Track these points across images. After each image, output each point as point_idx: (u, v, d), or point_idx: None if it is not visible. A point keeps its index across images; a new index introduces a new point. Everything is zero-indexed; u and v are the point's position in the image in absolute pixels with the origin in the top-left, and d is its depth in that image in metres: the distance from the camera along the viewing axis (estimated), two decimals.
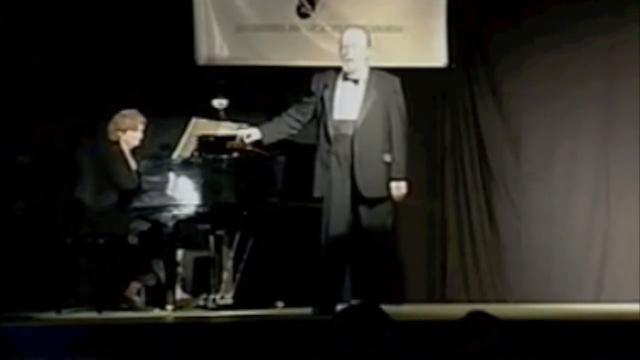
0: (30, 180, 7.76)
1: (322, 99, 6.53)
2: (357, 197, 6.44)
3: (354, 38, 6.57)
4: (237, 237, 7.20)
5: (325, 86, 6.54)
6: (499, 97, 8.05)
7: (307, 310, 6.69)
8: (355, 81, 6.53)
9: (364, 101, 6.48)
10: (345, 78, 6.55)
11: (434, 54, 7.98)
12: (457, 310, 4.56)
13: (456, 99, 8.11)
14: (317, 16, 7.93)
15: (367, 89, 6.50)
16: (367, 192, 6.42)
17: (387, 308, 3.47)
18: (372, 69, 6.59)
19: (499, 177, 8.04)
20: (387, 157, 6.49)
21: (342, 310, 3.60)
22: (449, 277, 7.99)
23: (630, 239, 7.75)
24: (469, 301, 7.77)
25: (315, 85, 6.60)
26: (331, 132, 6.46)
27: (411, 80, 7.15)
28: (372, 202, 6.45)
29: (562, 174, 7.96)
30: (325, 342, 3.38)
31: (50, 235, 7.40)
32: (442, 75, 8.03)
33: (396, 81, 6.57)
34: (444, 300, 7.87)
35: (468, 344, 3.45)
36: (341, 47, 6.57)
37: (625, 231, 7.79)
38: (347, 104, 6.50)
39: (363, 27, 6.83)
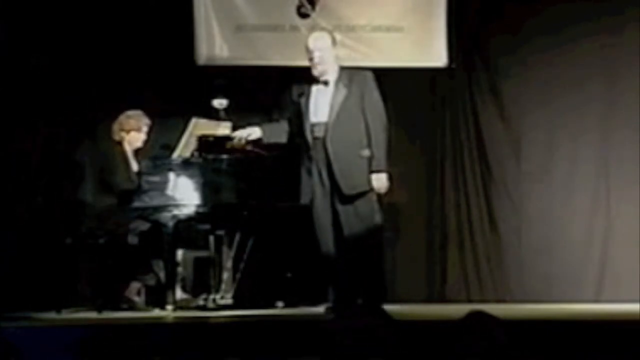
0: (31, 180, 7.76)
1: (299, 106, 6.56)
2: (340, 198, 6.43)
3: (318, 41, 6.58)
4: (237, 237, 7.20)
5: (301, 94, 6.56)
6: (499, 97, 8.06)
7: (307, 310, 6.72)
8: (326, 83, 6.54)
9: (333, 101, 6.48)
10: (317, 82, 6.55)
11: (434, 54, 7.99)
12: (457, 310, 4.56)
13: (456, 99, 8.11)
14: (317, 16, 7.93)
15: (336, 89, 6.51)
16: (349, 189, 6.42)
17: (386, 308, 3.47)
18: (345, 68, 6.58)
19: (499, 177, 8.04)
20: (366, 152, 6.46)
21: (343, 310, 3.60)
22: (449, 277, 8.00)
23: (630, 239, 7.76)
24: (469, 301, 7.77)
25: (294, 95, 6.61)
26: (308, 137, 6.48)
27: (411, 80, 7.16)
28: (355, 200, 6.43)
29: (562, 174, 7.97)
30: (325, 342, 3.39)
31: (50, 235, 7.40)
32: (442, 76, 8.03)
33: (368, 75, 6.54)
34: (444, 300, 7.87)
35: (468, 344, 3.45)
36: (306, 52, 6.57)
37: (625, 231, 7.80)
38: (320, 107, 6.51)
39: (325, 29, 6.82)
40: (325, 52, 6.53)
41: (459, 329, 3.50)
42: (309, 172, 6.49)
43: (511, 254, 7.97)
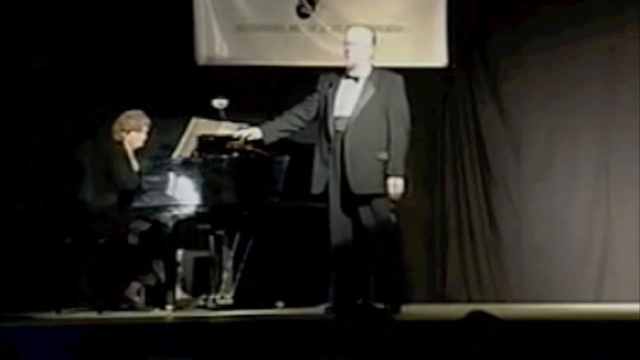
0: (31, 180, 7.76)
1: (325, 97, 6.55)
2: (352, 195, 6.44)
3: (357, 36, 6.58)
4: (237, 237, 7.19)
5: (330, 85, 6.56)
6: (499, 97, 8.06)
7: (307, 310, 6.72)
8: (356, 79, 6.54)
9: (360, 98, 6.48)
10: (347, 76, 6.56)
11: (434, 54, 7.98)
12: (457, 310, 4.57)
13: (456, 99, 8.11)
14: (317, 16, 7.93)
15: (365, 87, 6.50)
16: (357, 189, 6.41)
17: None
18: (377, 68, 6.59)
19: (499, 177, 8.04)
20: (383, 155, 6.45)
21: (344, 310, 3.61)
22: (449, 277, 7.99)
23: (630, 239, 7.76)
24: (469, 301, 7.77)
25: (321, 84, 6.62)
26: (330, 129, 6.48)
27: (411, 80, 7.14)
28: (367, 199, 6.43)
29: (562, 174, 7.97)
30: (326, 342, 3.38)
31: (50, 235, 7.40)
32: (442, 75, 8.03)
33: (398, 79, 6.55)
34: (444, 300, 7.87)
35: (468, 344, 3.45)
36: (344, 44, 6.58)
37: (625, 231, 7.80)
38: (346, 102, 6.51)
39: (369, 26, 6.83)
40: (361, 47, 6.52)
41: (459, 329, 3.50)
42: (326, 164, 6.49)
43: (511, 254, 7.96)
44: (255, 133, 6.76)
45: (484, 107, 8.08)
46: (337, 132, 6.47)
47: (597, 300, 7.69)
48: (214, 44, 7.96)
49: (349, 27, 6.88)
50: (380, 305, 6.09)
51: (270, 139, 6.76)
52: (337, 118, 6.49)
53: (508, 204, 8.01)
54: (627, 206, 7.83)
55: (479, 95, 8.10)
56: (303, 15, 7.96)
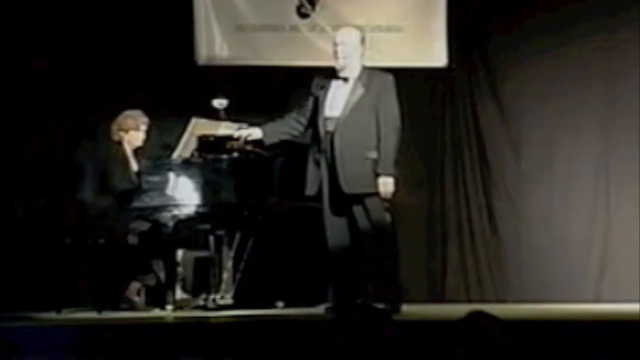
0: (31, 180, 7.76)
1: (317, 99, 6.56)
2: (344, 195, 6.43)
3: (345, 36, 6.58)
4: (237, 237, 7.20)
5: (322, 87, 6.57)
6: (499, 97, 8.06)
7: (307, 310, 6.72)
8: (346, 79, 6.54)
9: (349, 98, 6.48)
10: (337, 77, 6.56)
11: (434, 54, 7.98)
12: (457, 310, 4.56)
13: (456, 99, 8.11)
14: (317, 16, 7.93)
15: (354, 87, 6.50)
16: (348, 188, 6.41)
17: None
18: (367, 68, 6.58)
19: (499, 177, 8.04)
20: (373, 154, 6.44)
21: (344, 310, 3.60)
22: (449, 277, 7.99)
23: (630, 239, 7.75)
24: (469, 301, 7.77)
25: (315, 87, 6.62)
26: (321, 130, 6.49)
27: (411, 80, 7.16)
28: (359, 199, 6.43)
29: (562, 173, 7.96)
30: (326, 342, 3.39)
31: (50, 235, 7.40)
32: (442, 76, 8.03)
33: (388, 78, 6.54)
34: (444, 300, 7.87)
35: (468, 344, 3.45)
36: (333, 44, 6.59)
37: (625, 231, 7.79)
38: (336, 102, 6.51)
39: (358, 26, 6.82)
40: (350, 47, 6.52)
41: (459, 329, 3.49)
42: (318, 164, 6.49)
43: (511, 254, 7.96)
44: (255, 133, 6.76)
45: (484, 107, 8.08)
46: (327, 132, 6.48)
47: (597, 300, 7.68)
48: (214, 44, 7.97)
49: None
50: (380, 305, 6.09)
51: (272, 140, 6.76)
52: (326, 119, 6.50)
53: (508, 204, 8.01)
54: (627, 206, 7.83)
55: (478, 95, 8.10)
56: (303, 15, 7.96)
